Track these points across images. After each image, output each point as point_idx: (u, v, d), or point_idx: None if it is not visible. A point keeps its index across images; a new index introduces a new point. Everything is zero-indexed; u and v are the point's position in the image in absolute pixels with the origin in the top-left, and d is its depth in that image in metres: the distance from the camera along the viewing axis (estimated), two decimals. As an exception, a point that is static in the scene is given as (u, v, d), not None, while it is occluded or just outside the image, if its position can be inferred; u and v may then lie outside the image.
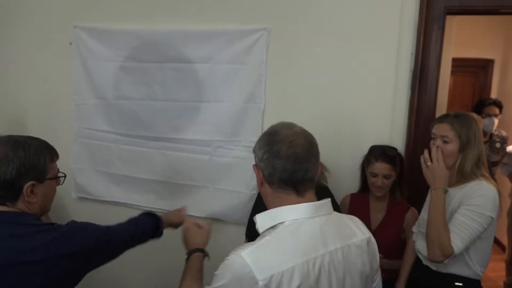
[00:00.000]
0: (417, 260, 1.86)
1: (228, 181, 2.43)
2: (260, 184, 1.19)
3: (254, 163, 1.22)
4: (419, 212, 1.94)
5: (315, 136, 1.62)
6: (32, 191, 1.26)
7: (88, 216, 2.72)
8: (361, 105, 2.19)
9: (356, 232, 1.20)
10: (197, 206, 2.49)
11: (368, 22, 2.12)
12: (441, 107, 2.92)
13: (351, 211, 2.13)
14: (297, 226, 1.10)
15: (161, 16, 2.44)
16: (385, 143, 2.09)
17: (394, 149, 2.07)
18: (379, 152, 2.03)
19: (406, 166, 2.10)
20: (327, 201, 1.19)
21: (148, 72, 2.47)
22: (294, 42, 2.24)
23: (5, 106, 2.90)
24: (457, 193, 1.68)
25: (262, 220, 1.14)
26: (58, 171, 1.39)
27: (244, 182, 2.38)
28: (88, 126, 2.69)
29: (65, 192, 2.71)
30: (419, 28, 2.08)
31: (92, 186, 2.74)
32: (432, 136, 1.75)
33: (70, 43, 2.63)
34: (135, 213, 2.65)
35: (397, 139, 2.17)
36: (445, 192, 1.64)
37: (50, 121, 2.80)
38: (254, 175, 1.25)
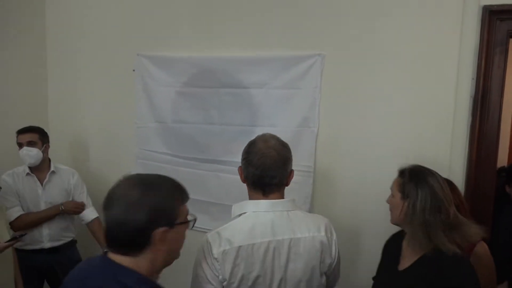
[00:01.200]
0: None
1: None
2: (243, 182, 1.51)
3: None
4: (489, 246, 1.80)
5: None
6: (162, 239, 1.10)
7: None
8: (418, 133, 2.13)
9: (311, 229, 1.45)
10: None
11: (426, 46, 2.08)
12: (504, 134, 2.79)
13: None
14: (254, 217, 1.42)
15: (218, 44, 2.54)
16: (444, 172, 2.01)
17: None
18: None
19: (465, 196, 1.99)
20: (285, 200, 1.49)
21: (205, 97, 2.57)
22: (349, 67, 2.24)
23: (71, 126, 3.13)
24: None
25: (234, 209, 1.48)
26: (188, 214, 1.22)
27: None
28: (148, 148, 2.82)
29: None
30: (480, 52, 2.01)
31: (149, 205, 2.85)
32: None
33: (134, 70, 2.80)
34: (189, 233, 2.74)
35: (457, 168, 2.08)
36: None
37: (113, 142, 2.97)
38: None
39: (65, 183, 2.68)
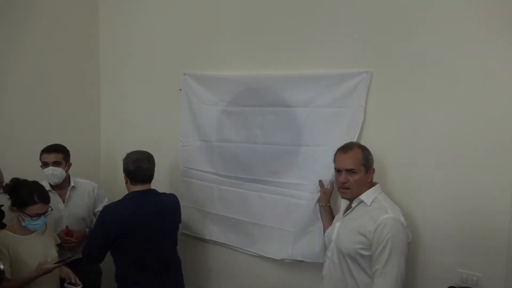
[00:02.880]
0: None
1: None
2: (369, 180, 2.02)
3: None
4: None
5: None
6: None
7: (189, 253, 2.85)
8: (474, 157, 1.96)
9: None
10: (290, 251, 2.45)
11: (483, 63, 1.92)
12: None
13: None
14: (384, 195, 2.01)
15: (263, 62, 2.52)
16: (506, 202, 1.82)
17: None
18: None
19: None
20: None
21: (249, 116, 2.55)
22: (397, 85, 2.13)
23: (120, 145, 3.18)
24: None
25: (366, 198, 1.97)
26: None
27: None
28: (192, 166, 2.84)
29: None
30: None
31: (193, 223, 2.86)
32: None
33: (180, 89, 2.84)
34: (231, 254, 2.72)
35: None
36: None
37: (159, 159, 3.00)
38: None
39: (85, 197, 2.77)
